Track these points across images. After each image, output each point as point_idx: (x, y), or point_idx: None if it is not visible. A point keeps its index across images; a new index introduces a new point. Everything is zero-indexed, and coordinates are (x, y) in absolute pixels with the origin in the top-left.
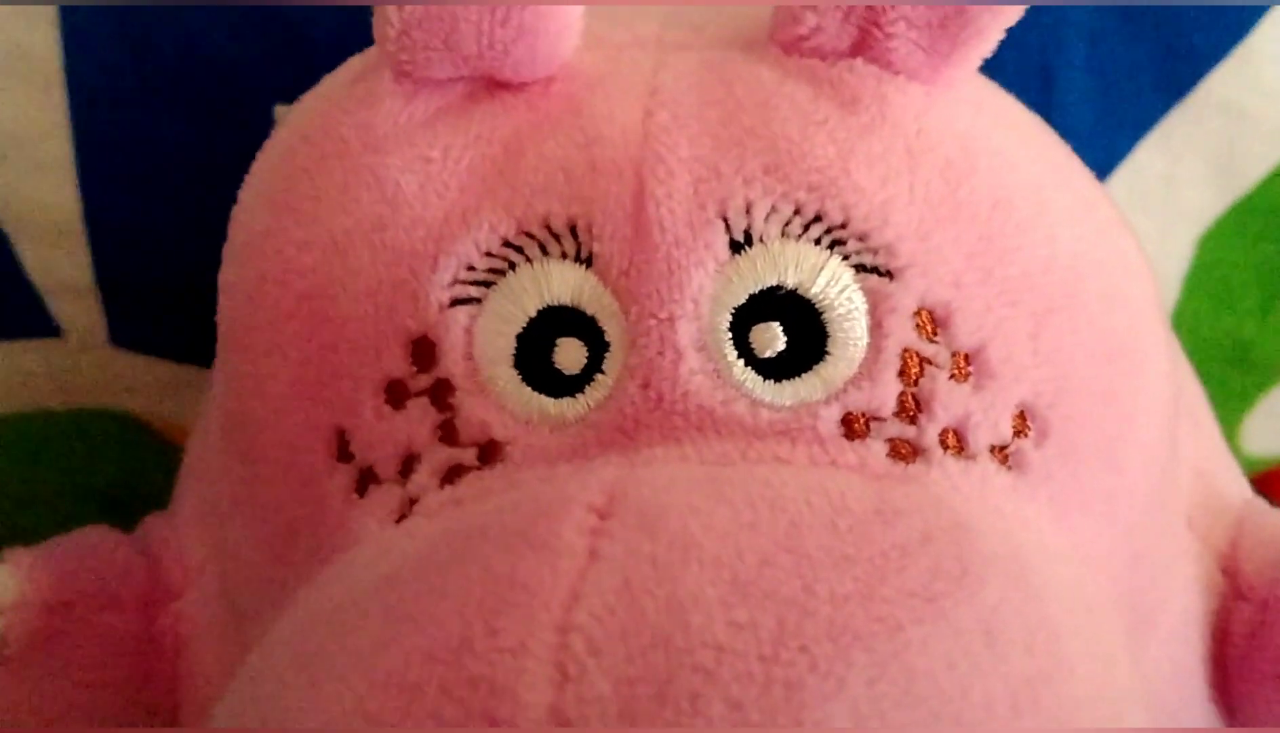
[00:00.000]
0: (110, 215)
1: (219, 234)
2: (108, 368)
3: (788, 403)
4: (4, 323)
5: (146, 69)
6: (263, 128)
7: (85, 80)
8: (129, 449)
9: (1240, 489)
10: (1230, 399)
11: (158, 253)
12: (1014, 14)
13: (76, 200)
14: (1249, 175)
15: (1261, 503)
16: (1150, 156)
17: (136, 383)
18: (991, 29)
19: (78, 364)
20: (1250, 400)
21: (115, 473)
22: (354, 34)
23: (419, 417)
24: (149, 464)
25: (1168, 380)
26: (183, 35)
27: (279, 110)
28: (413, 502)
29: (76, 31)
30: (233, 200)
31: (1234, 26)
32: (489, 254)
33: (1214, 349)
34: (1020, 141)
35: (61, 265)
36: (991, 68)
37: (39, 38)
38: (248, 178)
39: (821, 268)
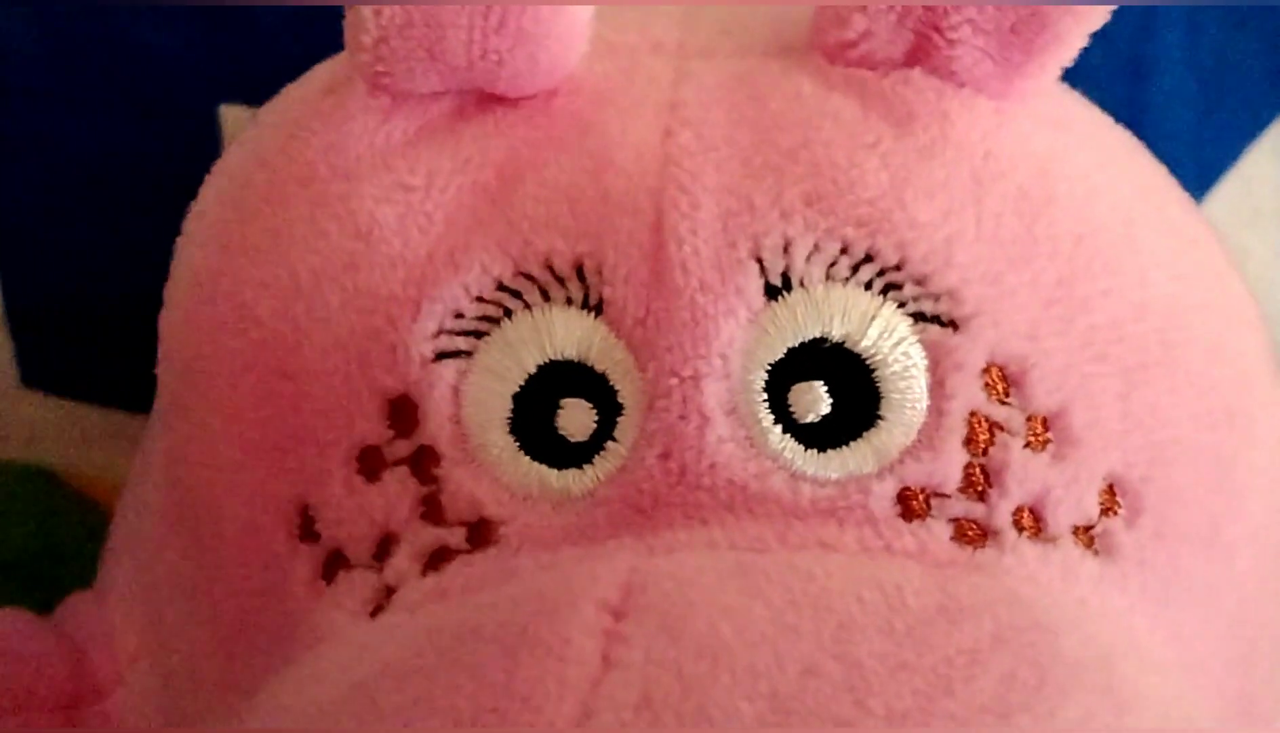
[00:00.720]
0: (21, 232)
1: (153, 257)
2: (18, 413)
3: (834, 477)
4: None
5: (68, 61)
6: (205, 131)
7: None
8: (43, 510)
9: None
10: None
11: (79, 278)
12: (1100, 15)
13: None
14: None
15: None
16: (1262, 165)
17: (52, 431)
18: (1073, 33)
19: None
20: None
21: (27, 538)
22: (316, 25)
23: (397, 490)
24: (68, 528)
25: None
26: (111, 23)
27: (224, 111)
28: (390, 591)
29: None
30: (171, 217)
31: None
32: (480, 299)
33: None
34: (1107, 165)
35: None
36: (1069, 70)
37: None
38: (195, 205)
39: (874, 317)
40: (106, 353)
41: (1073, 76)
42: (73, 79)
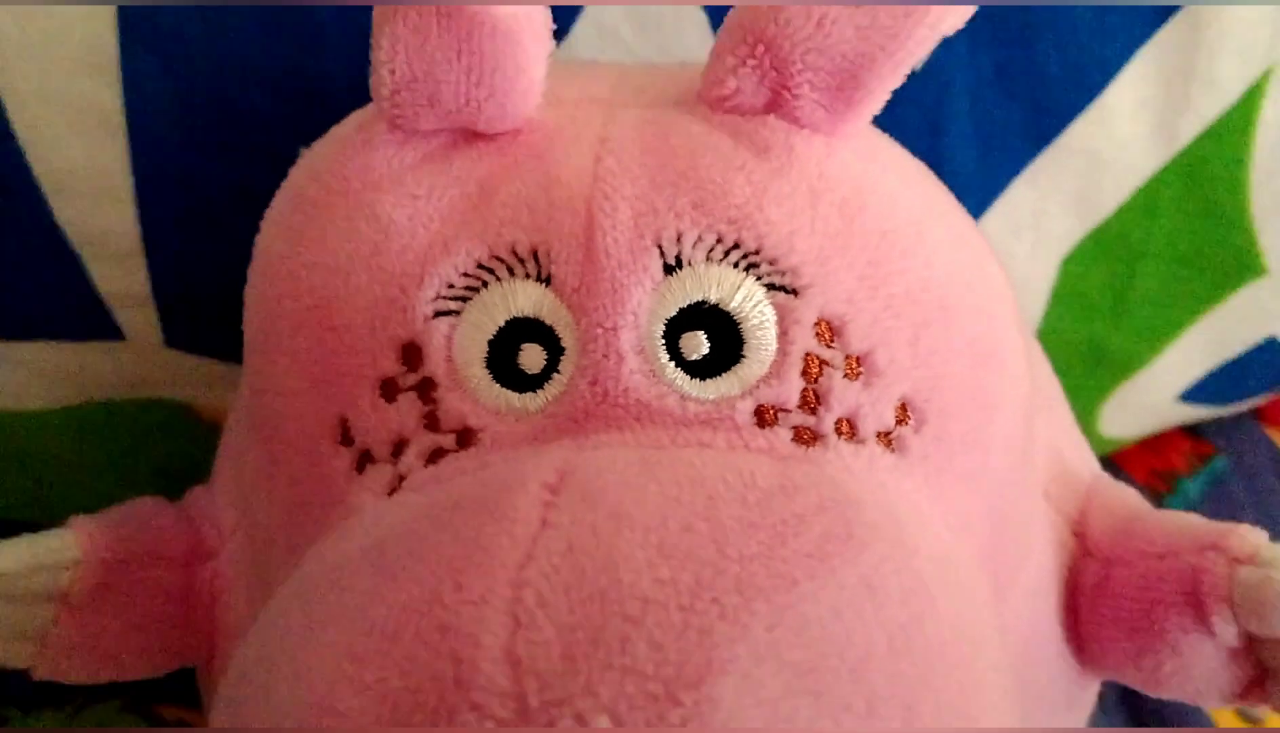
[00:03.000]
0: (164, 240)
1: (250, 255)
2: (161, 365)
3: (710, 397)
4: (77, 327)
5: (194, 120)
6: (288, 168)
7: (143, 129)
8: (178, 432)
9: (1090, 466)
10: (1090, 392)
11: (202, 270)
12: (897, 80)
13: (136, 228)
14: (1103, 209)
15: (1108, 477)
16: (1022, 194)
17: (185, 377)
18: (879, 91)
19: (137, 362)
20: (1106, 393)
21: (166, 452)
22: (360, 91)
23: (408, 409)
24: (195, 444)
25: (1024, 380)
26: (224, 91)
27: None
28: (402, 478)
29: (136, 88)
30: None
31: (1091, 86)
32: (465, 275)
33: (1076, 351)
34: (904, 184)
35: (124, 281)
36: (889, 121)
37: (106, 94)
38: (269, 210)
39: (739, 287)
40: (221, 322)
41: (891, 130)
42: (196, 133)
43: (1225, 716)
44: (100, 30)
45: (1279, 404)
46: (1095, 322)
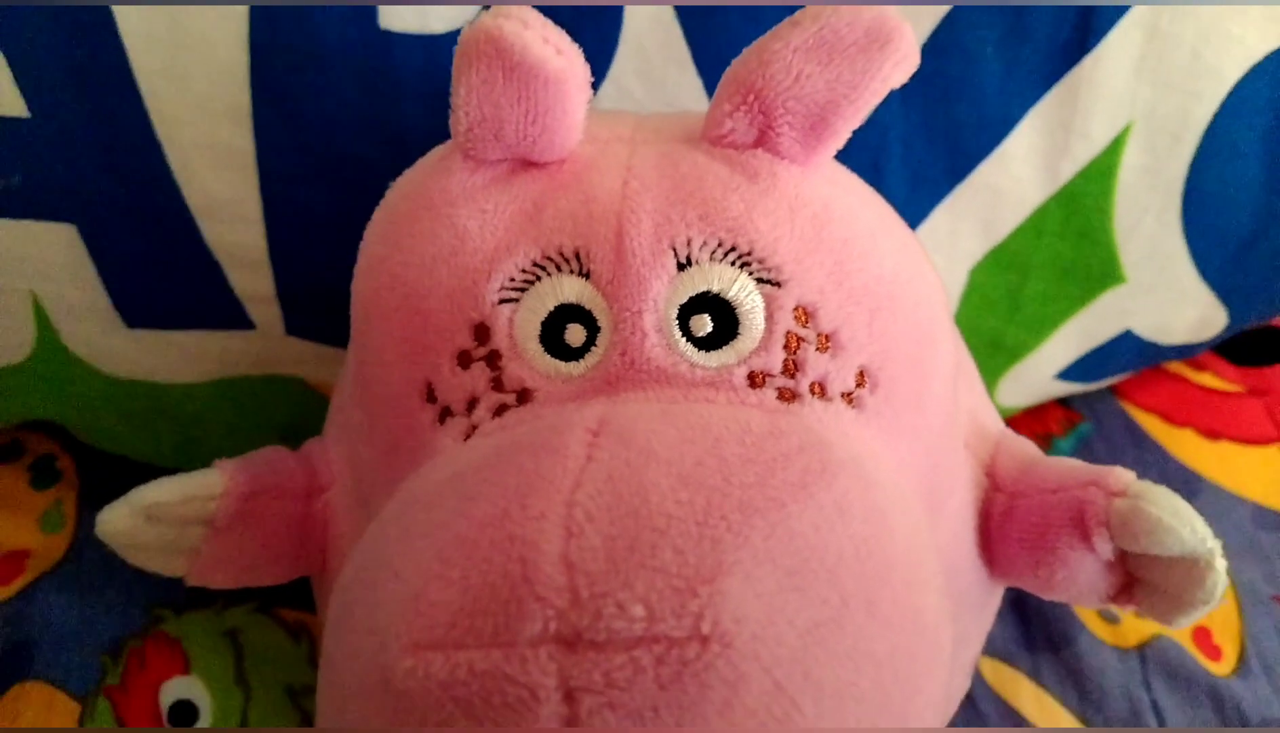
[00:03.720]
0: (285, 252)
1: (352, 264)
2: (283, 349)
3: (713, 365)
4: (218, 319)
5: (309, 159)
6: (378, 196)
7: (270, 167)
8: (295, 400)
9: (997, 425)
10: (990, 371)
11: (315, 276)
12: (856, 123)
13: (264, 243)
14: (1002, 231)
15: (1010, 432)
16: (941, 219)
17: (301, 358)
18: (843, 131)
19: (264, 346)
20: (1002, 372)
21: (288, 416)
22: (433, 136)
23: (479, 374)
24: (308, 410)
25: (951, 355)
26: (331, 137)
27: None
28: (474, 427)
29: (264, 135)
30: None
31: (995, 136)
32: (523, 271)
33: (980, 340)
34: (861, 203)
35: (255, 284)
36: (842, 159)
37: (241, 140)
38: (370, 222)
39: (735, 280)
40: (330, 315)
41: (847, 163)
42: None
43: (1090, 615)
44: (237, 90)
45: (1132, 383)
46: (995, 318)
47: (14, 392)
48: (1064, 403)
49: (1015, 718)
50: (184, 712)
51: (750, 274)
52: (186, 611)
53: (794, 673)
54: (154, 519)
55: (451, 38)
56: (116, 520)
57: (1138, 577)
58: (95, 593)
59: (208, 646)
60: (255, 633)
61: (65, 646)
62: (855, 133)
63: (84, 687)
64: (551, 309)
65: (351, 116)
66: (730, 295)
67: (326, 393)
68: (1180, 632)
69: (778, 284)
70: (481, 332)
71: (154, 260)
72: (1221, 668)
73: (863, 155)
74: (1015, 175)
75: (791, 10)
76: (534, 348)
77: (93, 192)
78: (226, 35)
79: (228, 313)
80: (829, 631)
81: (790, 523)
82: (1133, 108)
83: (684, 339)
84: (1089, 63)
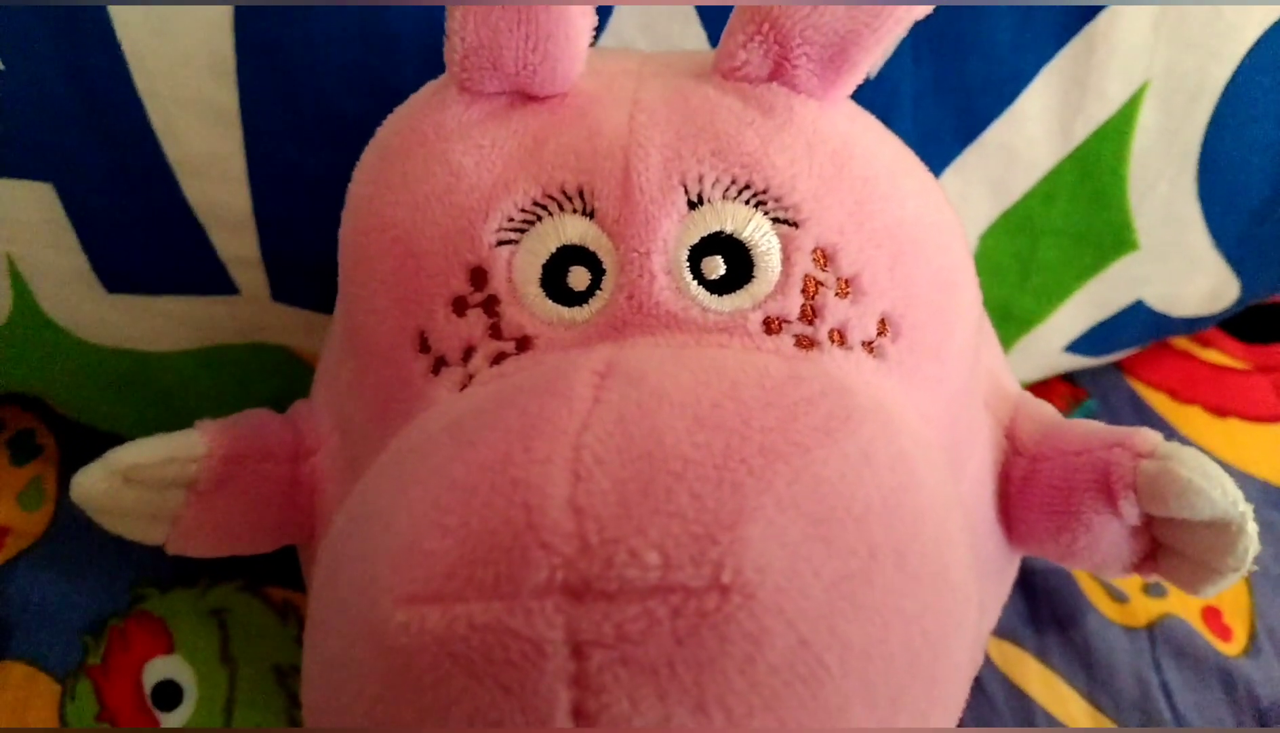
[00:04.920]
0: (271, 213)
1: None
2: (269, 315)
3: (726, 310)
4: (201, 284)
5: (296, 115)
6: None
7: (255, 123)
8: (281, 369)
9: (1016, 387)
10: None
11: (302, 238)
12: (878, 58)
13: (249, 203)
14: (1013, 194)
15: (1029, 394)
16: (950, 181)
17: (287, 325)
18: (862, 64)
19: (249, 313)
20: (1010, 344)
21: (275, 386)
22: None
23: (476, 321)
24: (294, 379)
25: (974, 306)
26: (320, 92)
27: None
28: (471, 377)
29: (249, 90)
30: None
31: (1008, 94)
32: (523, 210)
33: (988, 308)
34: (881, 142)
35: (239, 247)
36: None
37: (225, 95)
38: (359, 162)
39: (750, 220)
40: (317, 280)
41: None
42: (299, 127)
43: (1098, 593)
44: (220, 42)
45: (1138, 359)
46: (1005, 286)
47: None
48: (1069, 379)
49: (1022, 699)
50: (168, 692)
51: (766, 213)
52: (170, 589)
53: (820, 628)
54: (132, 482)
55: None
56: (93, 483)
57: (1163, 543)
58: (76, 571)
59: (192, 625)
60: (242, 612)
61: (45, 625)
62: (863, 89)
63: (65, 667)
64: (553, 251)
65: (342, 70)
66: (744, 236)
67: (315, 363)
68: (1190, 611)
69: (795, 224)
70: (478, 275)
71: (134, 221)
72: (1232, 648)
73: (871, 113)
74: (1028, 135)
75: None
76: (534, 292)
77: (70, 149)
78: None
79: (211, 277)
80: (857, 584)
81: (815, 469)
82: (1150, 65)
83: (695, 282)
84: (1105, 18)
